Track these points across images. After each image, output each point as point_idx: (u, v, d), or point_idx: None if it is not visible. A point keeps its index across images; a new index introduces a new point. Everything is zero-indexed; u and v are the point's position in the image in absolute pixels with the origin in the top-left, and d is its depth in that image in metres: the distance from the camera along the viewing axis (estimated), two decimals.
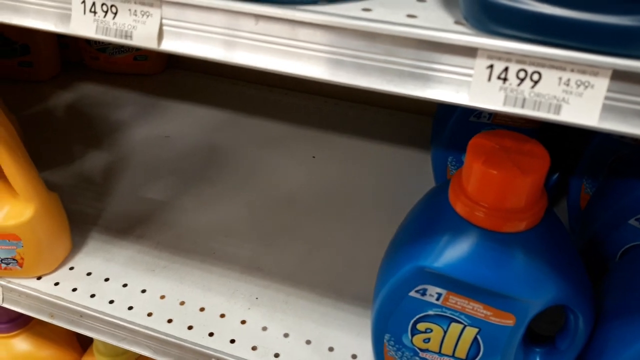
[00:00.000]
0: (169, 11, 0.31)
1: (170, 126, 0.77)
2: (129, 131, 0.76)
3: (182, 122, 0.78)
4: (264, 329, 0.50)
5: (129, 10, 0.31)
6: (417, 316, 0.40)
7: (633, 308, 0.39)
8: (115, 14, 0.31)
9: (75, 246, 0.58)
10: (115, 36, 0.32)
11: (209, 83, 0.88)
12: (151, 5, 0.30)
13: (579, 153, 0.56)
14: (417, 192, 0.48)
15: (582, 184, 0.56)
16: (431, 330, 0.41)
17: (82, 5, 0.32)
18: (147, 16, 0.31)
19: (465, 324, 0.39)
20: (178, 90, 0.85)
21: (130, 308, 0.52)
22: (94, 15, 0.32)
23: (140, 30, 0.31)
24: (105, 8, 0.31)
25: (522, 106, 0.26)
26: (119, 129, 0.76)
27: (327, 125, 0.78)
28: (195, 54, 0.31)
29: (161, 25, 0.31)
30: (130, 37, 0.31)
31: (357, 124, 0.79)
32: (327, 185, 0.68)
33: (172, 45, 0.31)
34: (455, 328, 0.40)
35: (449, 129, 0.59)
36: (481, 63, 0.26)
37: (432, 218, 0.40)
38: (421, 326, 0.41)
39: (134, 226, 0.61)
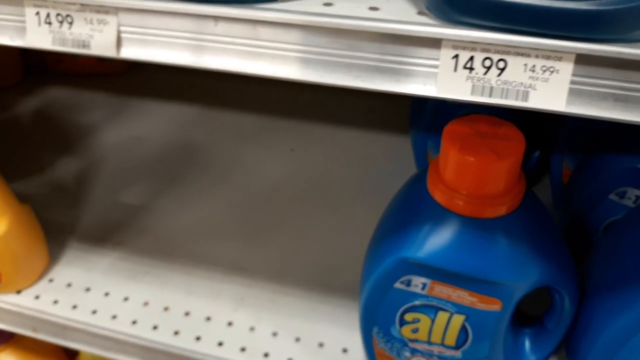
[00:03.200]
0: (126, 18, 0.29)
1: (142, 126, 0.76)
2: (99, 134, 0.74)
3: (153, 122, 0.77)
4: (252, 329, 0.50)
5: (85, 19, 0.30)
6: (404, 307, 0.40)
7: (615, 283, 0.39)
8: (71, 24, 0.30)
9: (53, 257, 0.57)
10: (73, 46, 0.31)
11: (178, 78, 0.86)
12: (107, 13, 0.29)
13: (559, 129, 0.56)
14: (399, 177, 0.48)
15: (563, 160, 0.56)
16: (419, 320, 0.40)
17: (37, 17, 0.31)
18: (104, 24, 0.29)
19: (452, 311, 0.39)
20: (147, 88, 0.84)
21: (114, 317, 0.51)
22: (49, 26, 0.30)
23: (97, 39, 0.30)
24: (60, 18, 0.30)
25: (490, 95, 0.26)
26: (89, 133, 0.75)
27: (305, 115, 0.77)
28: (158, 59, 0.30)
29: (119, 32, 0.30)
30: (88, 46, 0.30)
31: (336, 112, 0.78)
32: (308, 177, 0.67)
33: (132, 52, 0.30)
34: (442, 316, 0.40)
35: (427, 112, 0.58)
36: (446, 53, 0.26)
37: (412, 208, 0.40)
38: (408, 317, 0.41)
39: (112, 233, 0.59)
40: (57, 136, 0.74)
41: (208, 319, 0.51)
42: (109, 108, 0.79)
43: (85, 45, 0.30)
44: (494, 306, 0.38)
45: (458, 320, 0.39)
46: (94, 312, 0.52)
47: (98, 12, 0.29)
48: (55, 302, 0.53)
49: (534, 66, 0.25)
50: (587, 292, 0.41)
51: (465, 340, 0.40)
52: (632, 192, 0.45)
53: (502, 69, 0.26)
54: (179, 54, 0.30)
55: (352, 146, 0.72)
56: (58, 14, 0.30)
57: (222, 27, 0.28)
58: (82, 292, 0.53)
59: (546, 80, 0.25)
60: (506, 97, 0.26)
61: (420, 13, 0.27)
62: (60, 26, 0.30)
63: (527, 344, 0.44)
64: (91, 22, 0.30)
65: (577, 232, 0.50)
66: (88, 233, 0.59)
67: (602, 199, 0.47)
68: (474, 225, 0.37)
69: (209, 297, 0.53)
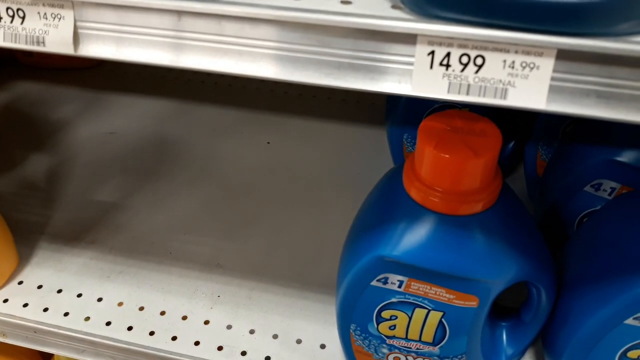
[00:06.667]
0: (83, 12, 0.28)
1: (116, 121, 0.74)
2: (71, 130, 0.72)
3: (127, 116, 0.75)
4: (229, 327, 0.49)
5: (38, 13, 0.28)
6: (381, 304, 0.40)
7: (593, 276, 0.39)
8: (23, 18, 0.28)
9: (23, 258, 0.55)
10: (27, 43, 0.29)
11: (153, 71, 0.84)
12: (62, 6, 0.28)
13: (534, 119, 0.56)
14: (377, 170, 0.47)
15: (537, 150, 0.56)
16: (396, 317, 0.40)
17: None
18: (59, 19, 0.28)
19: (429, 308, 0.39)
20: (121, 82, 0.81)
21: (87, 319, 0.50)
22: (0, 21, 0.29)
23: (53, 35, 0.28)
24: (11, 12, 0.28)
25: (467, 93, 0.25)
26: (61, 129, 0.73)
27: (281, 108, 0.76)
28: (118, 57, 0.29)
29: (76, 28, 0.28)
30: (43, 43, 0.29)
31: (312, 104, 0.77)
32: (284, 171, 0.66)
33: (90, 49, 0.29)
34: (419, 313, 0.39)
35: (402, 105, 0.57)
36: (422, 50, 0.25)
37: (387, 205, 0.39)
38: (386, 314, 0.40)
39: (85, 232, 0.58)
40: (27, 131, 0.72)
41: (184, 317, 0.50)
42: (81, 102, 0.77)
43: (39, 41, 0.28)
44: (471, 303, 0.38)
45: (435, 316, 0.39)
46: (66, 314, 0.50)
47: (52, 5, 0.28)
48: (25, 305, 0.51)
49: (513, 62, 0.24)
50: (564, 285, 0.41)
51: (443, 336, 0.40)
52: (608, 184, 0.45)
53: (480, 66, 0.25)
54: (141, 50, 0.28)
55: (329, 139, 0.71)
56: (8, 8, 0.28)
57: (185, 22, 0.27)
58: (54, 294, 0.52)
59: (526, 77, 0.24)
60: (484, 95, 0.25)
61: (394, 7, 0.26)
62: (12, 20, 0.29)
63: (504, 337, 0.43)
64: (45, 16, 0.28)
65: (552, 224, 0.50)
66: (59, 232, 0.58)
67: (577, 191, 0.46)
68: (450, 223, 0.36)
69: (184, 295, 0.52)
